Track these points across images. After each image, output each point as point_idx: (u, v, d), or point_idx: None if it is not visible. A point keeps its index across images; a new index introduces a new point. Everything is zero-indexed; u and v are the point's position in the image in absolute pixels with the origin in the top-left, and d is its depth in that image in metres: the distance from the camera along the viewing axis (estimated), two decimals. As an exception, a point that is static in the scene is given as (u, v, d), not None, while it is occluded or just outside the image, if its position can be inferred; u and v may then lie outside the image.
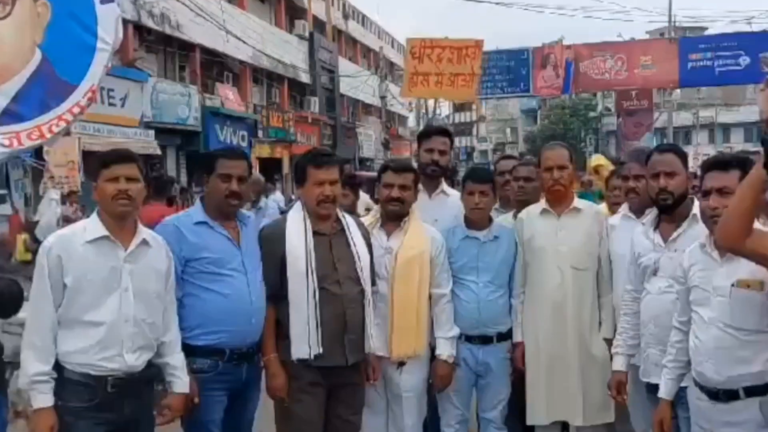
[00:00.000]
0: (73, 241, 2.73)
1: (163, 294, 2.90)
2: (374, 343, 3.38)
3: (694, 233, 3.03)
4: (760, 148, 2.38)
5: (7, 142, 2.73)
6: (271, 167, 23.60)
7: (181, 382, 2.94)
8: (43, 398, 2.65)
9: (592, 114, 41.50)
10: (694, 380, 2.78)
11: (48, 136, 2.80)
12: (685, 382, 2.91)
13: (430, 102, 35.58)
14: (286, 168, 25.05)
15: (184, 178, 19.47)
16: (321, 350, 3.18)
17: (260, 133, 24.12)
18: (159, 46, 20.58)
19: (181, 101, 19.66)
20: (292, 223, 3.30)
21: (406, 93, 8.85)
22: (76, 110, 2.87)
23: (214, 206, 3.20)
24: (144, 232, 2.89)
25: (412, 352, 3.55)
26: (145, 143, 17.05)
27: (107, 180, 2.77)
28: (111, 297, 2.74)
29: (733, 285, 2.62)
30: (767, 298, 2.58)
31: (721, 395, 2.66)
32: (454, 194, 4.09)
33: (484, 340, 3.68)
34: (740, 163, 2.73)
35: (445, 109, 50.51)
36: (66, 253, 2.70)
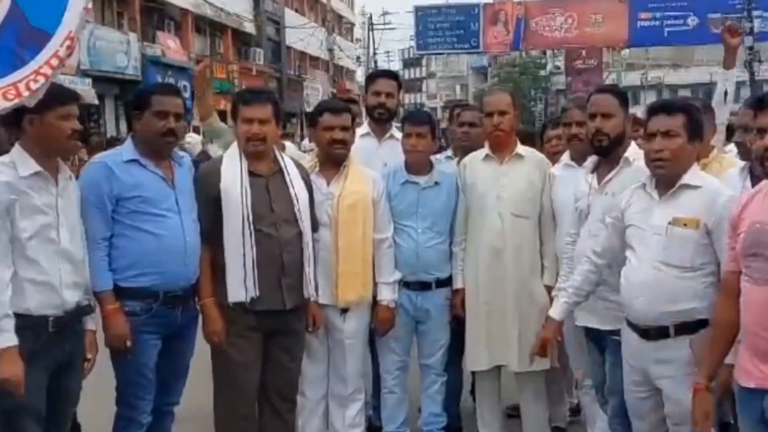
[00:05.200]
0: (7, 175, 2.61)
1: (81, 230, 2.85)
2: (316, 290, 3.34)
3: (626, 176, 3.07)
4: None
5: None
6: (215, 119, 23.06)
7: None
8: (9, 336, 2.52)
9: (542, 73, 41.72)
10: (626, 320, 2.84)
11: (26, 94, 2.45)
12: (616, 325, 2.95)
13: (380, 57, 35.17)
14: (230, 121, 24.53)
15: (123, 128, 18.88)
16: (257, 294, 3.12)
17: (204, 84, 23.48)
18: (96, -10, 19.71)
19: (120, 49, 18.96)
20: (228, 162, 3.22)
21: None
22: (54, 62, 2.50)
23: (147, 144, 3.07)
24: (65, 167, 2.82)
25: (359, 298, 3.52)
26: (82, 92, 16.39)
27: (62, 118, 2.68)
28: (50, 233, 2.67)
29: (669, 223, 2.67)
30: (701, 236, 2.64)
31: (652, 333, 2.72)
32: None
33: (423, 286, 3.67)
34: (685, 107, 2.76)
35: (394, 64, 50.15)
36: (12, 185, 2.58)
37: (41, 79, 2.49)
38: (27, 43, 2.49)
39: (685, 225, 2.65)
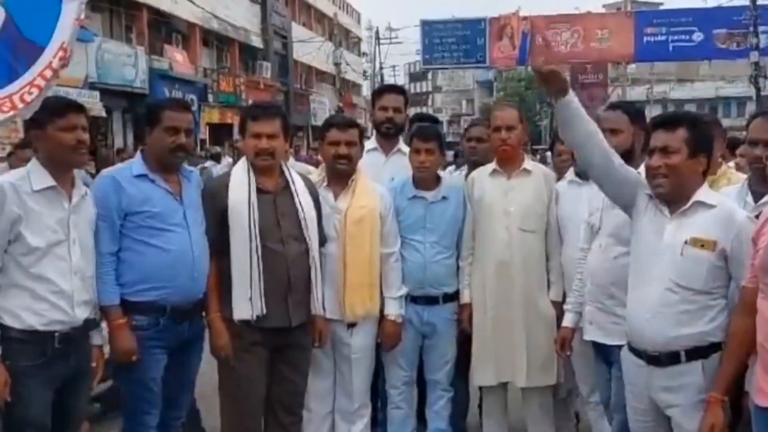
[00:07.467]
0: (21, 189, 2.63)
1: (93, 247, 2.86)
2: (324, 305, 3.34)
3: None
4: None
5: None
6: (221, 133, 23.17)
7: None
8: None
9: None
10: (628, 345, 2.73)
11: (20, 106, 2.48)
12: (624, 339, 2.88)
13: (386, 71, 35.30)
14: (236, 134, 24.59)
15: (130, 141, 18.98)
16: (264, 311, 3.12)
17: (210, 98, 23.66)
18: (104, 4, 19.84)
19: (128, 62, 19.07)
20: (236, 178, 3.22)
21: None
22: (48, 74, 2.53)
23: (156, 159, 3.08)
24: (80, 183, 2.84)
25: (366, 312, 3.51)
26: (90, 104, 16.50)
27: (63, 129, 2.69)
28: (60, 249, 2.68)
29: (686, 242, 2.56)
30: (717, 259, 2.53)
31: (662, 359, 2.59)
32: None
33: (429, 300, 3.66)
34: (688, 120, 2.65)
35: (400, 78, 50.32)
36: (17, 200, 2.61)
37: (35, 91, 2.51)
38: (20, 56, 2.50)
39: (702, 246, 2.52)
